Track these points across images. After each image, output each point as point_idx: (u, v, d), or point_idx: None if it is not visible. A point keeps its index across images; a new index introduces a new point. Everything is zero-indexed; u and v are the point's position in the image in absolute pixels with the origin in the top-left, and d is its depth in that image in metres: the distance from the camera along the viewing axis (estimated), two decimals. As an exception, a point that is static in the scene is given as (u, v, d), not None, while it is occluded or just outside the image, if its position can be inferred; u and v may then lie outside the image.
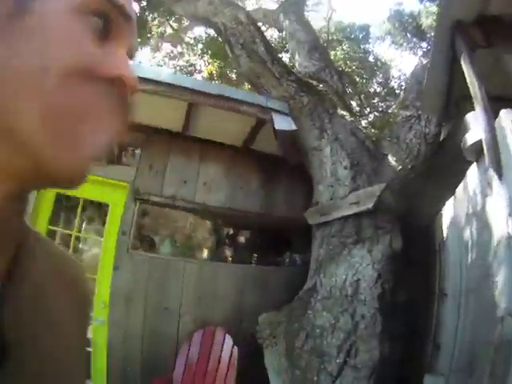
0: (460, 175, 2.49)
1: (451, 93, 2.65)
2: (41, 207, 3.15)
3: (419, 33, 7.33)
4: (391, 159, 3.04)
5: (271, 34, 8.18)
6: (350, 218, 2.90)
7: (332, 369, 2.38)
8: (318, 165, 3.26)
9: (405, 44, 8.10)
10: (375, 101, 9.76)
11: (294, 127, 3.15)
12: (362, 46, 9.24)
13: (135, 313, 3.15)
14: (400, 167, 3.00)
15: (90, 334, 3.04)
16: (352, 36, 9.26)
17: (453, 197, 2.60)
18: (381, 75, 9.35)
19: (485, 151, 1.87)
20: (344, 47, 9.53)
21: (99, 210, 3.78)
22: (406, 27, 7.40)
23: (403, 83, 8.43)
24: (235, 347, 3.02)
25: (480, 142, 1.97)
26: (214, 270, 3.47)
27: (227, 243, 4.03)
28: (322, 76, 4.15)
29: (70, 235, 3.37)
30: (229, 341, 3.06)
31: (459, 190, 2.48)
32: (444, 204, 2.79)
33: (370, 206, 2.80)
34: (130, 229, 3.29)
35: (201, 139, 3.76)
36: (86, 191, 3.18)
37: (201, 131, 3.71)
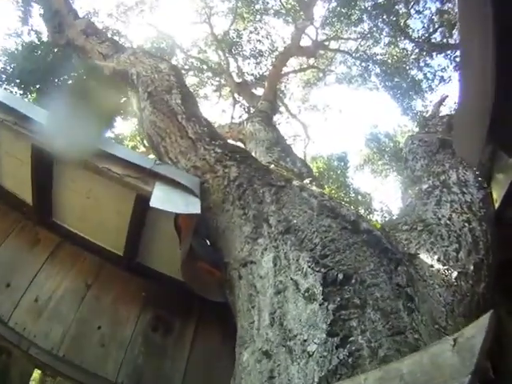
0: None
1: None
2: None
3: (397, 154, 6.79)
4: (428, 259, 1.24)
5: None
6: None
7: None
8: (247, 300, 1.37)
9: (384, 171, 7.47)
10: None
11: (194, 210, 1.47)
12: (340, 179, 8.58)
13: None
14: (455, 273, 1.16)
15: None
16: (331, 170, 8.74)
17: None
18: (363, 210, 8.36)
19: None
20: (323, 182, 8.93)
21: None
22: (384, 150, 6.84)
23: (386, 215, 7.49)
24: None
25: None
26: None
27: None
28: (282, 164, 2.73)
29: None
30: None
31: None
32: None
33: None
34: None
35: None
36: None
37: (60, 215, 2.11)
